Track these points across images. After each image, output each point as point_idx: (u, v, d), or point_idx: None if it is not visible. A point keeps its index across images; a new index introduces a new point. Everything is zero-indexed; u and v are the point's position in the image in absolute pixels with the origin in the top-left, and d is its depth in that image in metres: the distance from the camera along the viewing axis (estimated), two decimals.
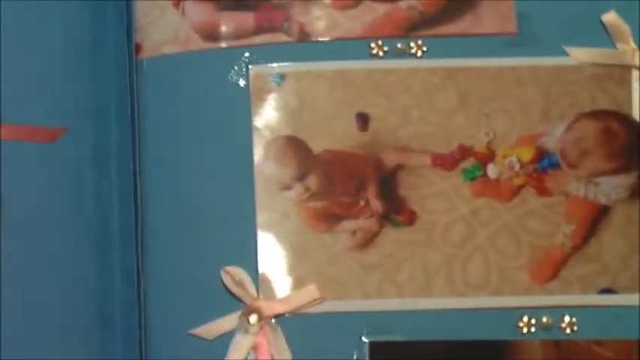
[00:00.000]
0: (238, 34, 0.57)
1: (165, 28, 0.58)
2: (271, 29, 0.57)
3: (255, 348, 0.53)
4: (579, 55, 0.56)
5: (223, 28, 0.57)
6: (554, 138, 0.56)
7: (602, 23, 0.57)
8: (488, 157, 0.56)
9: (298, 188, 0.55)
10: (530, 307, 0.54)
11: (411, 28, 0.57)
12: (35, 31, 0.58)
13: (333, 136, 0.56)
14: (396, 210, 0.55)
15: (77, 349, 0.55)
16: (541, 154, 0.56)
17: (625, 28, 0.56)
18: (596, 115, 0.56)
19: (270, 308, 0.53)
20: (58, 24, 0.58)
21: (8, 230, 0.54)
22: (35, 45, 0.58)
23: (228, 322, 0.53)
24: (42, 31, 0.58)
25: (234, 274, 0.53)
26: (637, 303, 0.54)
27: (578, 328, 0.53)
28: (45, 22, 0.58)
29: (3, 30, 0.57)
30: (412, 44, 0.56)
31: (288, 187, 0.55)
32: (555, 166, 0.56)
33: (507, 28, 0.56)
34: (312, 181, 0.56)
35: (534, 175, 0.55)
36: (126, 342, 0.57)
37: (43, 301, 0.55)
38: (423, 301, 0.54)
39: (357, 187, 0.56)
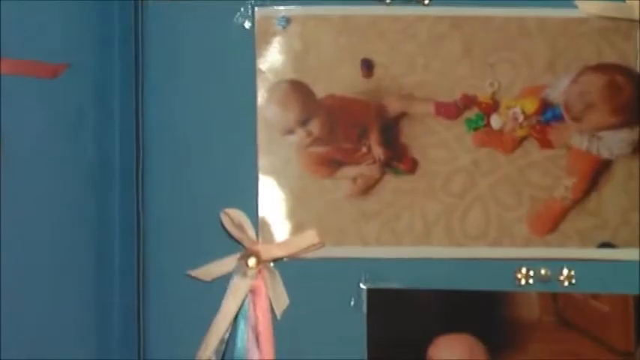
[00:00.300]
0: None
1: None
2: None
3: (253, 291, 0.54)
4: (587, 7, 0.56)
5: None
6: (558, 90, 0.56)
7: None
8: (492, 107, 0.56)
9: (301, 133, 0.56)
10: (528, 258, 0.54)
11: None
12: None
13: (337, 81, 0.56)
14: (397, 158, 0.56)
15: (75, 288, 0.56)
16: (545, 106, 0.56)
17: None
18: (602, 68, 0.56)
19: (269, 252, 0.54)
20: None
21: (8, 167, 0.54)
22: None
23: (226, 264, 0.54)
24: None
25: (233, 217, 0.54)
26: (636, 258, 0.54)
27: (576, 281, 0.54)
28: None
29: None
30: None
31: (290, 132, 0.56)
32: (559, 118, 0.56)
33: None
34: (315, 126, 0.56)
35: (537, 127, 0.55)
36: (124, 283, 0.57)
37: (41, 239, 0.55)
38: (422, 249, 0.55)
39: (359, 134, 0.56)
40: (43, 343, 0.55)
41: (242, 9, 0.56)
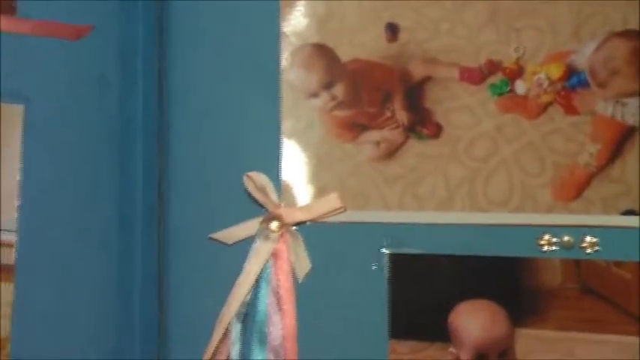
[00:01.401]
0: None
1: None
2: None
3: (275, 254, 0.55)
4: None
5: None
6: (583, 56, 0.56)
7: None
8: (517, 72, 0.56)
9: (324, 96, 0.56)
10: (551, 225, 0.54)
11: None
12: None
13: (362, 45, 0.57)
14: (421, 122, 0.56)
15: (97, 250, 0.57)
16: (570, 72, 0.55)
17: None
18: (627, 34, 0.55)
19: (292, 215, 0.55)
20: None
21: (31, 129, 0.55)
22: None
23: (249, 227, 0.55)
24: None
25: (256, 180, 0.55)
26: None
27: (599, 248, 0.53)
28: None
29: None
30: None
31: (314, 95, 0.56)
32: (584, 84, 0.55)
33: None
34: (339, 89, 0.56)
35: (562, 93, 0.55)
36: (145, 246, 0.58)
37: (64, 202, 0.56)
38: (444, 214, 0.55)
39: (383, 98, 0.57)
40: (63, 304, 0.55)
41: None
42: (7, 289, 0.54)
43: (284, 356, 0.54)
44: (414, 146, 0.56)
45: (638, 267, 0.54)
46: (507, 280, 0.55)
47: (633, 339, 0.54)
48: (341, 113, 0.57)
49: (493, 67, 0.56)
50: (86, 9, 0.58)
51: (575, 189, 0.55)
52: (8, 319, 0.53)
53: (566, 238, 0.54)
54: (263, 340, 0.55)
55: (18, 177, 0.54)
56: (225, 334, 0.55)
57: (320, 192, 0.56)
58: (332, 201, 0.55)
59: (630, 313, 0.54)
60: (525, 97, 0.56)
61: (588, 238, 0.54)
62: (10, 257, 0.54)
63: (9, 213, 0.54)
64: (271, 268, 0.55)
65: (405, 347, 0.55)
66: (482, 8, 0.57)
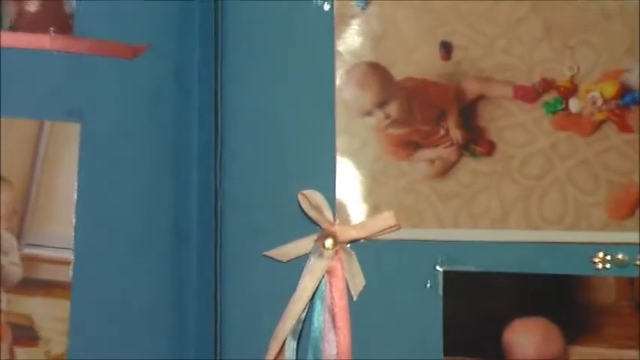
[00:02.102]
0: None
1: None
2: None
3: (329, 272, 0.54)
4: None
5: None
6: (637, 74, 0.55)
7: None
8: (571, 91, 0.55)
9: (379, 114, 0.55)
10: (605, 243, 0.54)
11: None
12: None
13: (416, 63, 0.56)
14: (475, 140, 0.55)
15: (152, 267, 0.57)
16: (624, 90, 0.55)
17: None
18: None
19: (346, 233, 0.54)
20: None
21: (88, 145, 0.55)
22: None
23: (303, 245, 0.54)
24: None
25: (311, 198, 0.54)
26: None
27: None
28: None
29: None
30: None
31: (368, 113, 0.55)
32: (638, 102, 0.55)
33: None
34: (393, 108, 0.55)
35: (616, 110, 0.55)
36: (200, 258, 0.58)
37: (120, 214, 0.56)
38: (499, 232, 0.54)
39: (437, 116, 0.56)
40: (119, 320, 0.55)
41: None
42: (63, 306, 0.54)
43: None
44: (468, 164, 0.55)
45: None
46: (561, 297, 0.55)
47: None
48: (395, 131, 0.56)
49: (547, 85, 0.56)
50: (142, 28, 0.58)
51: (629, 207, 0.55)
52: (64, 335, 0.53)
53: (620, 256, 0.53)
54: (318, 357, 0.54)
55: (74, 195, 0.55)
56: (280, 351, 0.54)
57: (374, 210, 0.55)
58: (386, 219, 0.55)
59: None
60: (579, 115, 0.55)
61: None
62: (64, 274, 0.54)
63: (65, 230, 0.55)
64: (326, 286, 0.55)
65: None
66: (537, 25, 0.56)
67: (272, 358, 0.53)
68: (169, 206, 0.58)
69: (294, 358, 0.54)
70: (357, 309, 0.54)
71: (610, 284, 0.54)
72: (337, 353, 0.53)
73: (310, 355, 0.54)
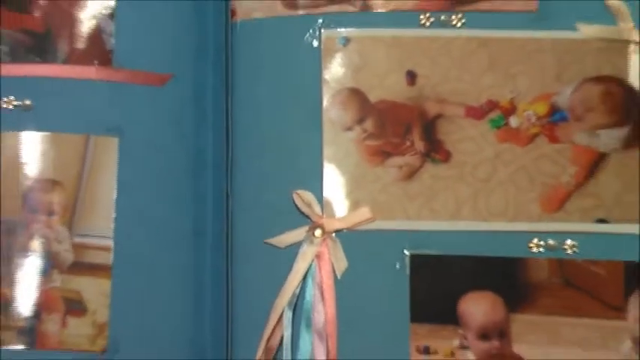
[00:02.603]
0: (314, 4, 0.60)
1: None
2: (340, 1, 0.60)
3: (318, 256, 0.58)
4: (588, 31, 0.59)
5: None
6: (564, 97, 0.59)
7: (607, 6, 0.60)
8: (511, 110, 0.59)
9: (358, 130, 0.59)
10: (539, 231, 0.58)
11: (454, 4, 0.60)
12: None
13: (387, 89, 0.59)
14: (435, 150, 0.59)
15: (175, 250, 0.60)
16: (553, 110, 0.59)
17: (625, 10, 0.59)
18: (599, 79, 0.59)
19: (332, 225, 0.58)
20: None
21: (124, 157, 0.59)
22: (150, 6, 0.62)
23: (297, 234, 0.58)
24: None
25: (303, 197, 0.58)
26: (626, 231, 0.58)
27: (578, 250, 0.57)
28: None
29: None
30: (453, 17, 0.60)
31: (349, 129, 0.59)
32: (564, 119, 0.59)
33: (530, 7, 0.60)
34: (369, 124, 0.59)
35: (547, 126, 0.59)
36: (214, 249, 0.61)
37: (150, 211, 0.59)
38: (454, 223, 0.58)
39: (404, 131, 0.59)
40: (149, 295, 0.59)
41: (311, 30, 0.60)
42: (105, 284, 0.58)
43: (326, 337, 0.57)
44: (429, 169, 0.59)
45: (609, 265, 0.58)
46: (504, 275, 0.58)
47: (605, 321, 0.58)
48: (371, 143, 0.59)
49: (492, 105, 0.59)
50: (168, 61, 0.61)
51: (558, 202, 0.58)
52: (107, 308, 0.57)
53: (551, 242, 0.58)
54: (309, 325, 0.58)
55: (114, 195, 0.59)
56: (279, 320, 0.57)
57: (354, 206, 0.58)
58: (364, 213, 0.58)
59: (602, 301, 0.58)
60: (518, 129, 0.59)
61: (569, 242, 0.58)
62: (106, 258, 0.58)
63: (106, 223, 0.59)
64: (316, 267, 0.58)
65: (423, 329, 0.57)
66: (484, 58, 0.60)
67: (272, 325, 0.57)
68: (189, 206, 0.61)
69: (290, 325, 0.57)
70: (341, 285, 0.57)
71: (543, 265, 0.58)
72: (325, 321, 0.57)
73: (303, 323, 0.58)
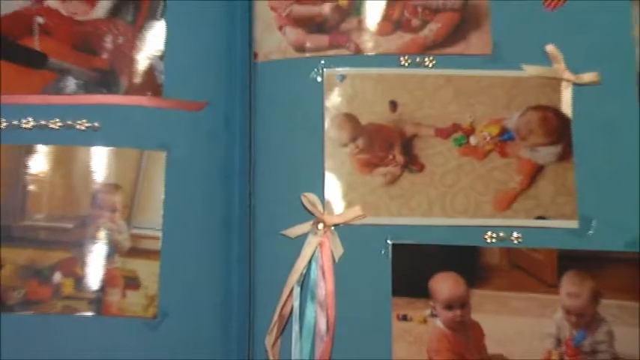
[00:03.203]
0: (317, 49, 0.66)
1: (272, 42, 0.67)
2: (338, 46, 0.66)
3: (320, 244, 0.62)
4: (530, 70, 0.65)
5: (308, 45, 0.66)
6: (512, 121, 0.65)
7: (545, 51, 0.66)
8: (470, 131, 0.64)
9: (352, 146, 0.64)
10: (492, 226, 0.63)
11: (426, 49, 0.66)
12: (195, 42, 0.66)
13: (374, 114, 0.64)
14: (411, 162, 0.64)
15: (209, 239, 0.64)
16: (503, 131, 0.64)
17: (559, 55, 0.65)
18: (539, 108, 0.65)
19: (331, 220, 0.62)
20: (209, 37, 0.67)
21: (171, 165, 0.63)
22: (191, 50, 0.66)
23: (304, 227, 0.63)
24: (199, 41, 0.66)
25: (309, 198, 0.63)
26: (559, 226, 0.63)
27: (522, 240, 0.62)
28: (200, 34, 0.66)
29: (173, 38, 0.65)
30: (426, 59, 0.65)
31: (345, 145, 0.64)
32: (512, 138, 0.64)
33: (485, 51, 0.65)
34: (360, 142, 0.64)
35: (498, 144, 0.64)
36: (240, 238, 0.64)
37: (190, 209, 0.63)
38: (426, 219, 0.63)
39: (388, 147, 0.64)
40: (188, 275, 0.62)
41: (315, 69, 0.65)
42: (155, 265, 0.62)
43: (326, 307, 0.60)
44: (408, 177, 0.63)
45: (545, 252, 0.62)
46: (465, 260, 0.63)
47: (543, 295, 0.62)
48: (361, 157, 0.64)
49: (455, 128, 0.64)
50: (204, 91, 0.66)
51: (506, 203, 0.63)
52: (156, 283, 0.61)
53: (501, 234, 0.63)
54: (313, 297, 0.61)
55: (162, 196, 0.63)
56: (290, 294, 0.61)
57: (349, 205, 0.63)
58: (356, 211, 0.62)
59: (540, 279, 0.62)
60: (476, 146, 0.64)
61: (515, 234, 0.62)
62: (155, 245, 0.62)
63: (156, 218, 0.63)
64: (318, 253, 0.62)
65: (402, 301, 0.62)
66: (449, 91, 0.65)
67: (285, 298, 0.61)
68: (220, 204, 0.65)
69: (299, 298, 0.61)
70: (338, 267, 0.62)
71: (495, 252, 0.63)
72: (325, 295, 0.61)
73: (308, 296, 0.61)
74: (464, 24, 0.65)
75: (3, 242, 0.61)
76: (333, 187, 0.64)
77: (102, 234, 0.62)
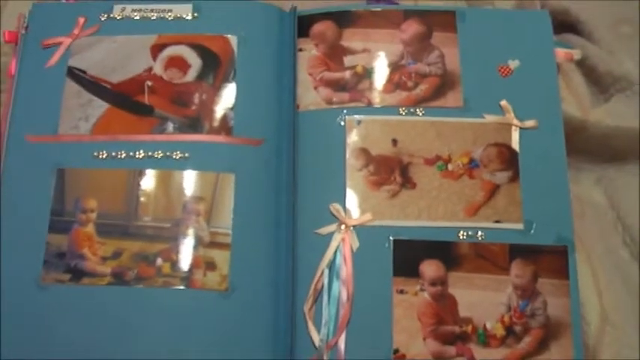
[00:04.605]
0: (341, 102, 0.82)
1: (309, 98, 0.83)
2: (356, 100, 0.82)
3: (343, 240, 0.77)
4: (490, 118, 0.81)
5: (335, 99, 0.82)
6: (477, 154, 0.80)
7: (500, 105, 0.82)
8: (448, 160, 0.80)
9: (365, 171, 0.79)
10: (464, 227, 0.78)
11: (417, 102, 0.82)
12: (255, 98, 0.80)
13: (381, 148, 0.81)
14: (407, 182, 0.80)
15: (265, 237, 0.76)
16: (471, 160, 0.80)
17: (509, 107, 0.81)
18: (496, 144, 0.81)
19: (350, 222, 0.77)
20: (265, 93, 0.81)
21: (238, 185, 0.77)
22: (253, 103, 0.80)
23: (331, 227, 0.78)
24: (258, 97, 0.80)
25: (335, 207, 0.78)
26: (510, 227, 0.77)
27: (484, 237, 0.78)
28: (259, 92, 0.80)
29: (240, 95, 0.78)
30: (417, 110, 0.81)
31: (360, 170, 0.79)
32: (477, 166, 0.80)
33: (458, 104, 0.81)
34: (371, 167, 0.79)
35: (468, 170, 0.80)
36: (287, 235, 0.78)
37: (253, 214, 0.76)
38: (418, 222, 0.78)
39: (390, 171, 0.80)
40: (251, 261, 0.74)
41: (340, 116, 0.81)
42: (227, 254, 0.73)
43: (347, 285, 0.73)
44: (405, 192, 0.79)
45: (500, 245, 0.77)
46: (445, 251, 0.78)
47: (498, 276, 0.77)
48: (372, 178, 0.79)
49: (437, 158, 0.80)
50: (262, 131, 0.80)
51: (473, 211, 0.79)
52: (228, 266, 0.73)
53: (469, 233, 0.78)
54: (338, 277, 0.75)
55: (232, 205, 0.76)
56: (321, 275, 0.75)
57: (363, 212, 0.78)
58: (368, 216, 0.77)
59: (497, 264, 0.77)
60: (452, 171, 0.80)
61: (479, 233, 0.77)
62: (227, 240, 0.75)
63: (227, 221, 0.76)
64: (341, 246, 0.76)
65: (400, 280, 0.76)
66: (433, 132, 0.81)
67: (317, 277, 0.74)
68: (272, 210, 0.79)
69: (327, 277, 0.75)
70: (355, 257, 0.76)
71: (465, 245, 0.77)
72: (346, 275, 0.75)
73: (334, 276, 0.75)
74: (443, 85, 0.83)
75: (122, 236, 0.77)
76: (352, 200, 0.79)
77: (190, 231, 0.77)
